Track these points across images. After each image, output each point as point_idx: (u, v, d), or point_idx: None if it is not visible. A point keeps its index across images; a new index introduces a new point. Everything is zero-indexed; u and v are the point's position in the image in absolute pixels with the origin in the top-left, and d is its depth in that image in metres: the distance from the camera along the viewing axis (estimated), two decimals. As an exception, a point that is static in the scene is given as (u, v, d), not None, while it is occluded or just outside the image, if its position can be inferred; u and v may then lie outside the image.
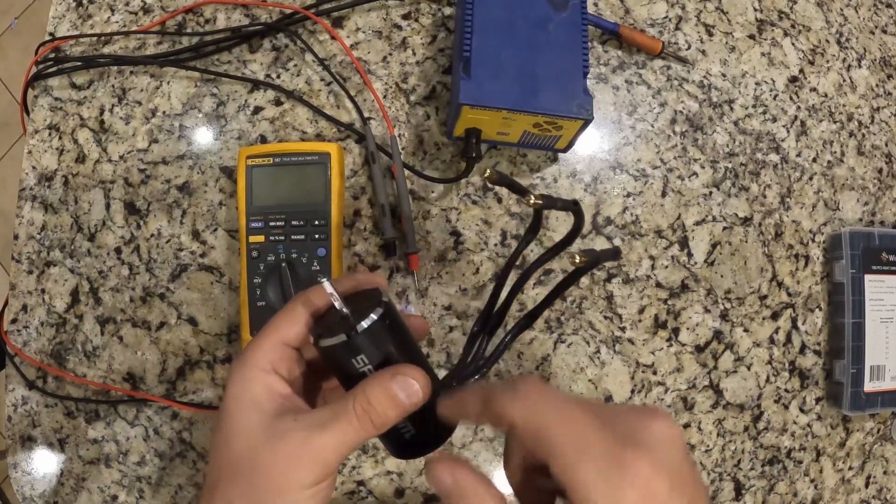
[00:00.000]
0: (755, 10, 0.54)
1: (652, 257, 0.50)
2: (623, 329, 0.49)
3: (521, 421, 0.24)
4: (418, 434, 0.29)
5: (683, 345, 0.50)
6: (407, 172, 0.48)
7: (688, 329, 0.50)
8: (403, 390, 0.26)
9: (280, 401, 0.27)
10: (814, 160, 0.53)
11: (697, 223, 0.51)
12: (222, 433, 0.27)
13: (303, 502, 0.25)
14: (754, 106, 0.52)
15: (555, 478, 0.23)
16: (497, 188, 0.49)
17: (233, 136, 0.50)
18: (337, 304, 0.27)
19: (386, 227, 0.47)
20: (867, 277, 0.50)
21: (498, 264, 0.49)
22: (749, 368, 0.51)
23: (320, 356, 0.28)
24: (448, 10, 0.51)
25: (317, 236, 0.45)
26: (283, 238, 0.45)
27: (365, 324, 0.26)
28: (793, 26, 0.54)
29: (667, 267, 0.50)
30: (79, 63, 0.51)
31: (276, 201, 0.45)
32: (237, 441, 0.26)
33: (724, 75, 0.52)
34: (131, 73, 0.51)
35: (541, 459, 0.23)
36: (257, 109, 0.50)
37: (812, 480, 0.51)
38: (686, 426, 0.50)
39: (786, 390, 0.51)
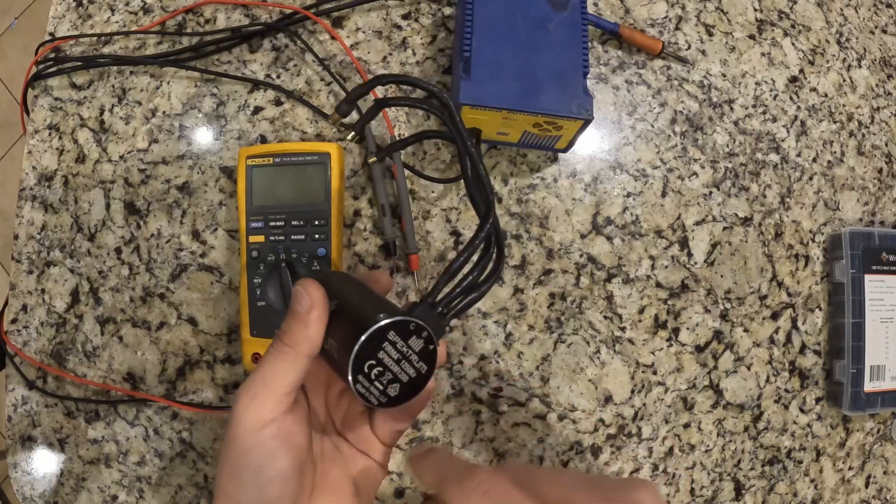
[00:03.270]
0: (755, 10, 0.54)
1: (652, 257, 0.50)
2: (623, 329, 0.49)
3: None
4: (341, 346, 0.27)
5: (683, 345, 0.50)
6: (407, 172, 0.48)
7: (688, 329, 0.50)
8: (294, 299, 0.28)
9: None
10: (814, 160, 0.53)
11: (697, 223, 0.51)
12: None
13: (261, 445, 0.27)
14: (754, 106, 0.52)
15: None
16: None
17: (233, 136, 0.50)
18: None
19: (386, 227, 0.47)
20: (867, 277, 0.50)
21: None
22: (749, 368, 0.51)
23: None
24: (448, 10, 0.51)
25: (317, 236, 0.45)
26: (283, 238, 0.45)
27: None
28: (793, 26, 0.54)
29: (667, 267, 0.50)
30: (79, 63, 0.51)
31: (276, 201, 0.45)
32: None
33: (724, 75, 0.52)
34: (131, 73, 0.51)
35: None
36: (257, 109, 0.50)
37: (812, 480, 0.51)
38: (686, 426, 0.50)
39: (786, 390, 0.51)
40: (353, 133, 0.36)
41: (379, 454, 0.32)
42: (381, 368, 0.26)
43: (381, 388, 0.27)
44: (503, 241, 0.31)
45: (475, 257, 0.30)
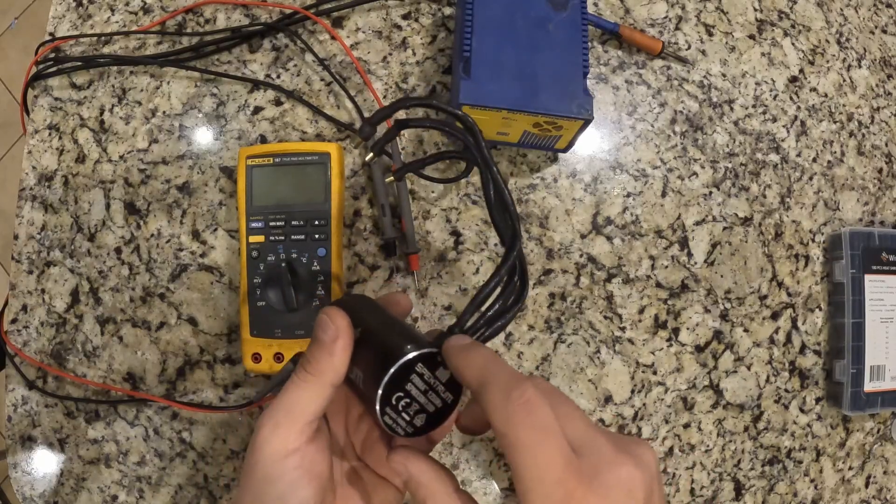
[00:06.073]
0: (755, 10, 0.54)
1: (652, 257, 0.50)
2: (623, 329, 0.49)
3: (499, 430, 0.24)
4: (367, 377, 0.27)
5: (683, 345, 0.50)
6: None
7: (688, 329, 0.50)
8: (319, 327, 0.28)
9: None
10: (814, 160, 0.53)
11: (697, 223, 0.51)
12: None
13: (284, 475, 0.26)
14: (754, 106, 0.52)
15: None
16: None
17: (233, 136, 0.50)
18: None
19: (386, 227, 0.47)
20: (867, 277, 0.50)
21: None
22: (749, 368, 0.51)
23: None
24: (448, 10, 0.51)
25: (317, 236, 0.45)
26: (283, 238, 0.45)
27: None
28: (793, 26, 0.54)
29: (667, 267, 0.50)
30: (79, 63, 0.51)
31: (276, 201, 0.45)
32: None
33: (724, 75, 0.52)
34: (131, 73, 0.51)
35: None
36: (257, 109, 0.50)
37: (812, 480, 0.51)
38: (686, 426, 0.50)
39: (786, 390, 0.51)
40: (371, 154, 0.37)
41: (399, 480, 0.31)
42: (408, 400, 0.27)
43: (407, 418, 0.27)
44: (527, 268, 0.31)
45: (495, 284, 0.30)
